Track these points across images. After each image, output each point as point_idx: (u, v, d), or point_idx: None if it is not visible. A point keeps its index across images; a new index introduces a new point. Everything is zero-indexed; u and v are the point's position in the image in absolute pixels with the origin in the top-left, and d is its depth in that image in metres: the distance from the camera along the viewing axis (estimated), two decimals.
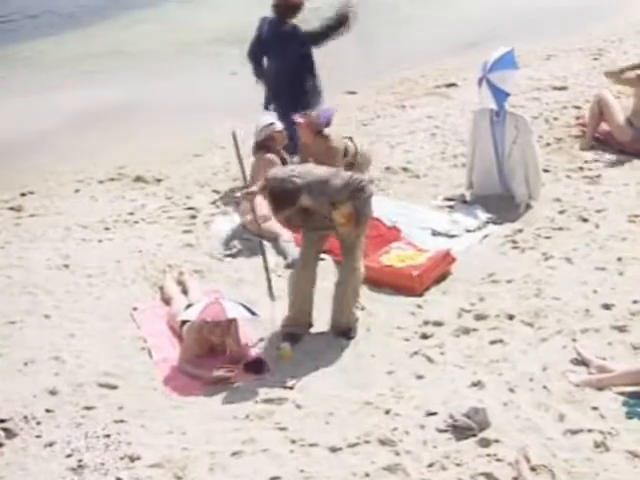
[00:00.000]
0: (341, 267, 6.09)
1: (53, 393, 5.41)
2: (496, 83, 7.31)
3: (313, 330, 6.03)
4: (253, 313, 5.75)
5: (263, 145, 7.50)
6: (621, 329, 5.62)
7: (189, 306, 5.96)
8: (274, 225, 7.01)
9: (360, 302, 6.15)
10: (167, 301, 6.42)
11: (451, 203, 7.67)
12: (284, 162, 7.58)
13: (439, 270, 6.59)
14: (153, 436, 5.01)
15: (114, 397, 5.40)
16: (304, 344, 5.86)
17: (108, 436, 4.99)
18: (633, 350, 5.40)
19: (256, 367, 5.63)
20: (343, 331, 5.96)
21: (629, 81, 8.28)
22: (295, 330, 5.96)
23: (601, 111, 8.32)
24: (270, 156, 7.41)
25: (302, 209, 5.74)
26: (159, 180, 8.60)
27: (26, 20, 14.95)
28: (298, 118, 7.42)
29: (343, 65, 11.40)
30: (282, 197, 5.61)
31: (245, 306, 5.74)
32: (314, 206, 5.76)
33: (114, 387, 5.50)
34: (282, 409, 5.21)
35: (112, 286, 6.71)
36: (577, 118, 8.92)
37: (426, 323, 6.00)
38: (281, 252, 7.00)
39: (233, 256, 7.09)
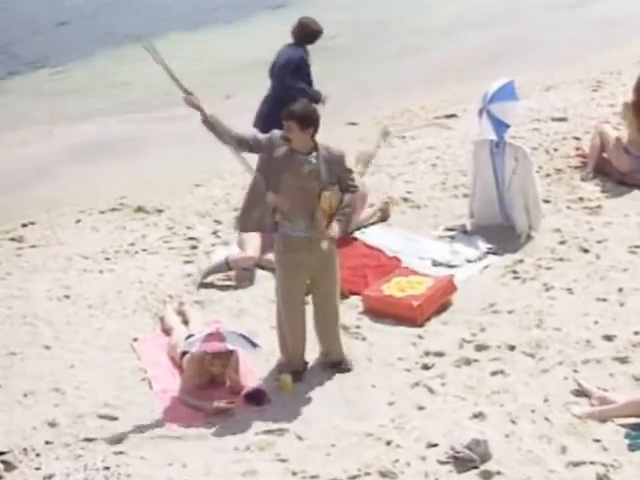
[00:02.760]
0: (321, 294, 5.81)
1: (53, 425, 5.39)
2: (496, 114, 7.35)
3: (313, 358, 6.01)
4: (254, 344, 5.74)
5: None
6: (622, 360, 5.61)
7: (190, 337, 5.95)
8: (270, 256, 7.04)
9: (360, 332, 6.15)
10: (167, 332, 6.41)
11: (452, 233, 7.68)
12: None
13: (440, 300, 6.59)
14: (153, 468, 4.99)
15: (114, 428, 5.38)
16: (305, 375, 5.84)
17: (108, 468, 4.96)
18: (635, 381, 5.39)
19: (257, 398, 5.61)
20: (337, 363, 5.92)
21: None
22: (293, 369, 5.87)
23: (601, 142, 8.38)
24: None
25: (296, 188, 5.47)
26: (160, 210, 8.62)
27: (28, 51, 15.05)
28: None
29: (343, 96, 11.47)
30: (308, 115, 5.47)
31: (246, 337, 5.73)
32: (304, 177, 5.44)
33: (114, 418, 5.48)
34: (283, 440, 5.19)
35: (113, 317, 6.71)
36: (577, 149, 8.96)
37: (427, 354, 5.98)
38: None
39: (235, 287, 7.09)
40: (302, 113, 5.48)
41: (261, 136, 5.79)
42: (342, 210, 5.66)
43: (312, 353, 5.98)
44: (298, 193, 5.50)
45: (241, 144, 5.63)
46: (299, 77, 8.06)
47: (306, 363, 5.95)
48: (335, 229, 5.61)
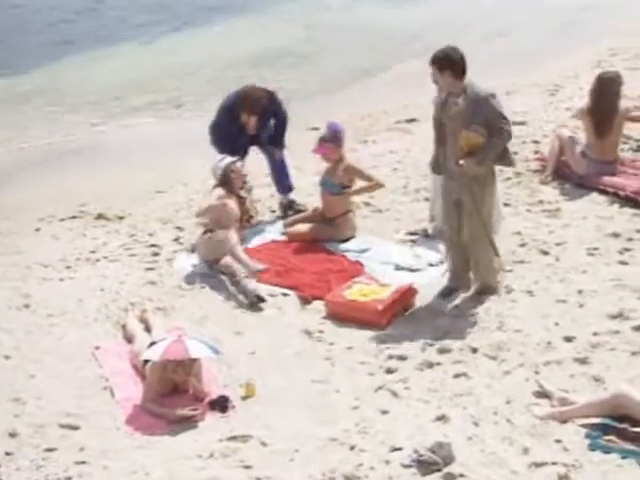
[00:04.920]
0: (465, 225, 6.36)
1: (13, 435, 5.32)
2: None
3: (276, 364, 6.01)
4: (216, 351, 5.72)
5: (223, 182, 7.51)
6: (582, 361, 5.67)
7: (152, 344, 5.91)
8: (233, 261, 7.03)
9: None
10: (130, 339, 6.36)
11: (413, 237, 7.72)
12: (242, 200, 7.63)
13: (403, 304, 6.63)
14: (116, 477, 4.94)
15: (76, 438, 5.32)
16: (268, 381, 5.83)
17: (69, 478, 4.91)
18: (594, 382, 5.44)
19: (220, 405, 5.59)
20: (488, 290, 6.50)
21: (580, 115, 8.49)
22: (454, 285, 6.58)
23: (560, 146, 8.48)
24: (218, 191, 7.40)
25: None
26: (121, 217, 8.57)
27: None
28: (318, 149, 7.71)
29: (305, 102, 11.51)
30: (438, 57, 6.08)
31: (208, 344, 5.71)
32: (453, 117, 6.07)
33: (75, 428, 5.42)
34: (247, 447, 5.17)
35: (73, 325, 6.64)
36: (536, 152, 9.06)
37: (390, 357, 6.00)
38: (242, 290, 6.96)
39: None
40: (434, 55, 6.10)
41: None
42: (485, 150, 6.09)
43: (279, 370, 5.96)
44: (449, 133, 6.15)
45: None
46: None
47: (467, 284, 6.57)
48: (469, 163, 6.09)
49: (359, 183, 7.82)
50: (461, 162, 6.15)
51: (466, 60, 6.13)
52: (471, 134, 6.11)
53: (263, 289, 6.91)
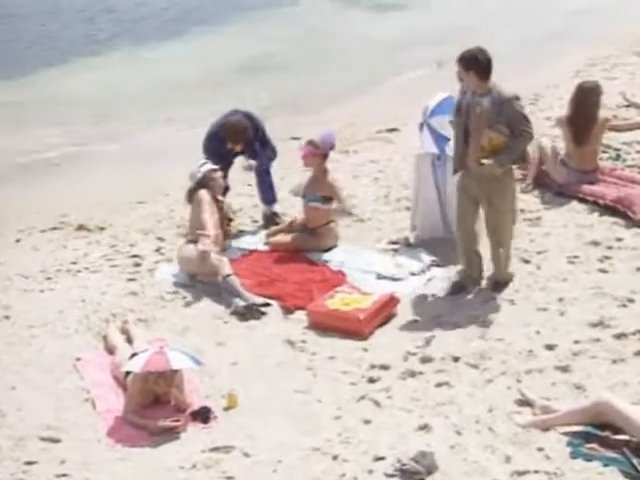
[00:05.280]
0: (487, 222, 6.59)
1: None
2: (437, 128, 7.44)
3: (258, 375, 6.00)
4: (198, 362, 5.70)
5: (201, 187, 7.51)
6: (564, 369, 5.69)
7: (134, 355, 5.89)
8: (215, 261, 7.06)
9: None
10: (111, 350, 6.33)
11: (395, 246, 7.73)
12: (219, 204, 7.62)
13: (385, 313, 6.63)
14: None
15: (56, 451, 5.29)
16: (251, 391, 5.82)
17: None
18: (576, 390, 5.46)
19: (202, 416, 5.57)
20: (501, 283, 6.70)
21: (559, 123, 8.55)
22: (465, 282, 6.74)
23: (540, 155, 8.53)
24: (203, 192, 7.41)
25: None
26: (102, 228, 8.53)
27: None
28: (303, 149, 7.71)
29: (286, 111, 11.52)
30: (464, 57, 6.21)
31: (190, 355, 5.69)
32: (477, 117, 6.23)
33: (56, 440, 5.38)
34: (229, 457, 5.15)
35: (54, 337, 6.60)
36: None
37: (372, 367, 6.00)
38: (225, 298, 6.95)
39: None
40: (461, 55, 6.24)
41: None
42: (507, 150, 6.27)
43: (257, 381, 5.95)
44: (472, 132, 6.31)
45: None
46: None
47: (480, 278, 6.78)
48: (489, 162, 6.24)
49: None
50: (484, 161, 6.30)
51: (492, 62, 6.27)
52: (494, 134, 6.27)
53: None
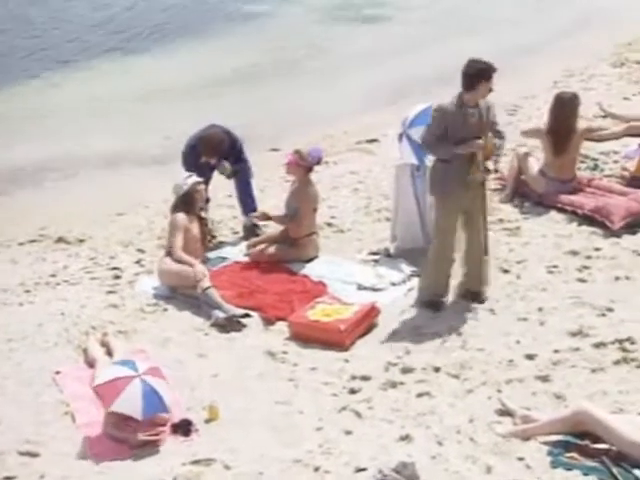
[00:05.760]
0: (473, 231, 6.69)
1: None
2: (416, 138, 7.47)
3: (239, 386, 5.98)
4: (153, 411, 5.47)
5: (184, 200, 7.50)
6: (544, 379, 5.72)
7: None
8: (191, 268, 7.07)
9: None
10: (91, 363, 6.30)
11: (376, 257, 7.75)
12: (202, 221, 7.62)
13: (365, 324, 6.64)
14: None
15: (36, 465, 5.24)
16: (232, 403, 5.80)
17: None
18: (556, 399, 5.50)
19: (183, 428, 5.54)
20: (478, 295, 6.74)
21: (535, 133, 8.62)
22: (438, 300, 6.72)
23: (519, 165, 8.59)
24: (180, 215, 7.39)
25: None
26: (82, 240, 8.48)
27: None
28: (288, 156, 7.69)
29: (266, 122, 11.53)
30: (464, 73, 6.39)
31: (163, 400, 5.51)
32: (473, 126, 6.36)
33: (35, 455, 5.34)
34: (211, 470, 5.13)
35: (33, 350, 6.55)
36: (495, 172, 9.10)
37: (353, 378, 6.01)
38: (205, 310, 6.94)
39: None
40: (475, 68, 6.44)
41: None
42: (497, 155, 6.62)
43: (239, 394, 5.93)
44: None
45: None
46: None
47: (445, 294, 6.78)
48: (490, 165, 6.52)
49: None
50: (489, 165, 6.54)
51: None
52: (489, 140, 6.48)
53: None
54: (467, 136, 6.40)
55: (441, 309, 6.75)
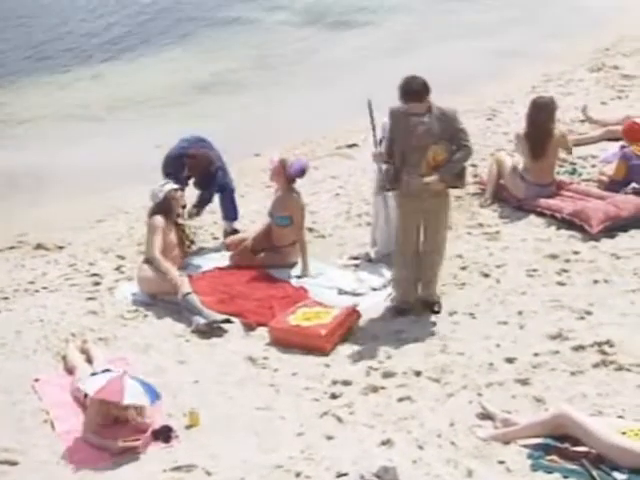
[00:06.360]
0: (429, 238, 6.66)
1: None
2: None
3: (220, 392, 5.97)
4: (155, 398, 5.54)
5: (162, 207, 7.48)
6: (524, 382, 5.75)
7: (93, 375, 5.82)
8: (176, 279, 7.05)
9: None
10: (70, 371, 6.26)
11: (356, 262, 7.76)
12: (179, 227, 7.60)
13: (346, 328, 6.64)
14: None
15: (15, 474, 5.22)
16: (212, 409, 5.78)
17: None
18: (536, 402, 5.52)
19: (164, 435, 5.52)
20: (431, 304, 6.72)
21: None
22: (405, 306, 6.72)
23: (498, 170, 8.63)
24: (158, 217, 7.38)
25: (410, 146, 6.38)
26: (61, 247, 8.45)
27: None
28: (273, 161, 7.68)
29: (249, 128, 11.53)
30: (415, 87, 6.32)
31: (149, 388, 5.55)
32: (421, 136, 6.32)
33: (14, 463, 5.31)
34: (191, 476, 5.12)
35: (12, 358, 6.51)
36: (475, 176, 9.19)
37: (335, 383, 6.01)
38: (185, 316, 6.92)
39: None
40: (399, 87, 6.36)
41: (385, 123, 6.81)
42: (451, 164, 6.41)
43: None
44: (414, 151, 6.39)
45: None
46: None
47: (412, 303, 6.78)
48: (433, 178, 6.37)
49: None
50: (428, 179, 6.38)
51: (427, 83, 6.37)
52: (439, 149, 6.38)
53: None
54: (416, 144, 6.40)
55: (407, 315, 6.75)
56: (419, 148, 6.40)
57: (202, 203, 8.26)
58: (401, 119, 6.48)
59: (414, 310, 6.79)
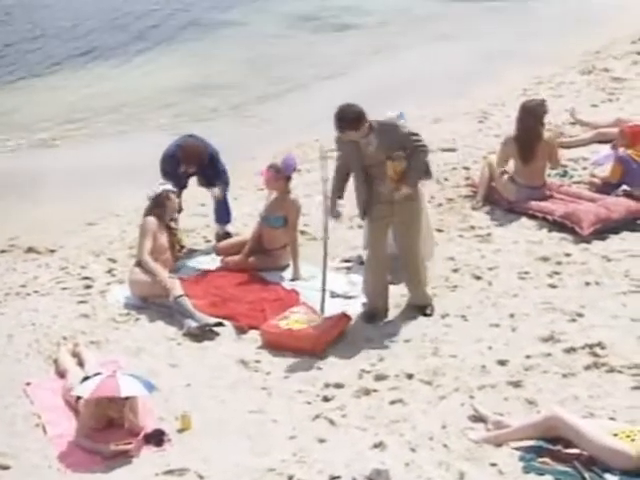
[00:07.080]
0: (401, 243, 6.74)
1: None
2: None
3: (212, 396, 5.97)
4: (151, 388, 5.60)
5: (155, 206, 7.48)
6: (516, 384, 5.76)
7: (85, 379, 5.81)
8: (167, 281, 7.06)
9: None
10: (62, 374, 6.25)
11: (348, 264, 7.77)
12: (171, 230, 7.60)
13: (337, 331, 6.65)
14: None
15: (6, 478, 5.19)
16: (205, 412, 5.78)
17: None
18: (528, 405, 5.53)
19: (156, 438, 5.51)
20: (422, 307, 6.75)
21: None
22: (374, 312, 6.76)
23: (490, 172, 8.65)
24: (150, 219, 7.39)
25: (366, 175, 6.47)
26: (52, 251, 8.43)
27: None
28: (264, 172, 7.72)
29: (242, 132, 11.53)
30: (350, 116, 6.28)
31: (143, 380, 5.60)
32: (372, 154, 6.36)
33: (6, 467, 5.29)
34: None
35: (3, 362, 6.49)
36: (466, 179, 9.22)
37: (327, 385, 6.01)
38: (177, 319, 6.92)
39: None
40: (334, 119, 6.35)
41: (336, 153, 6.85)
42: (412, 171, 6.46)
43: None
44: (375, 167, 6.45)
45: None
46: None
47: (387, 310, 6.81)
48: (403, 189, 6.45)
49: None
50: (400, 194, 6.46)
51: (362, 111, 6.34)
52: (396, 162, 6.43)
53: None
54: (370, 163, 6.47)
55: (377, 321, 6.78)
56: (376, 164, 6.48)
57: (224, 188, 8.26)
58: (347, 144, 6.53)
59: (382, 315, 6.81)
